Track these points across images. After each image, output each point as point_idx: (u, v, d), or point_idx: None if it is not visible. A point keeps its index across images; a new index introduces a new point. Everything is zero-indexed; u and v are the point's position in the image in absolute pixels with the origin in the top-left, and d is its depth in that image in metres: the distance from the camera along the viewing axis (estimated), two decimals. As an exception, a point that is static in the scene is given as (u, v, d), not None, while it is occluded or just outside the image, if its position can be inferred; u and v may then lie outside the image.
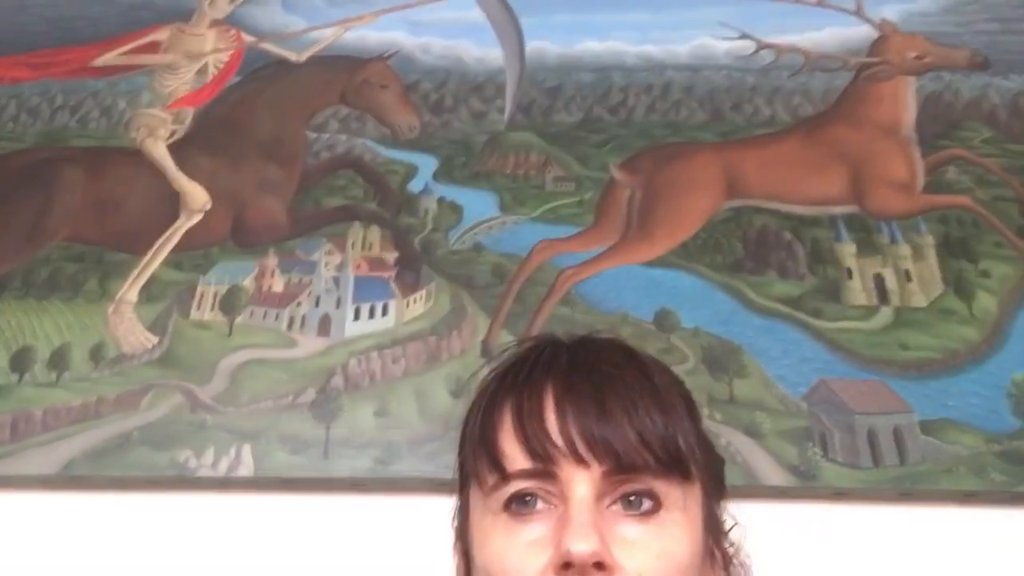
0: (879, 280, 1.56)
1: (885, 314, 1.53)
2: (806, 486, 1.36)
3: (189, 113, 1.82)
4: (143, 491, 1.41)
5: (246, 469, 1.40)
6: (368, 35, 1.88)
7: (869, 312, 1.53)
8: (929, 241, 1.59)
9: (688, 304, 1.54)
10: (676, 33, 1.85)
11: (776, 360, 1.48)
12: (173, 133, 1.80)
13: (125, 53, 1.89)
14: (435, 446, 1.40)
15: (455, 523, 0.79)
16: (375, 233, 1.67)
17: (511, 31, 1.87)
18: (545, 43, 1.86)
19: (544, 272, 1.59)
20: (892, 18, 1.82)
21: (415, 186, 1.72)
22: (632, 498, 0.68)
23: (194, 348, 1.54)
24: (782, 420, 1.41)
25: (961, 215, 1.62)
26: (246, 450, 1.42)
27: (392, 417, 1.45)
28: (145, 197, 1.72)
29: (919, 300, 1.54)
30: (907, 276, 1.56)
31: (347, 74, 1.84)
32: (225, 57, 1.88)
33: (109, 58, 1.89)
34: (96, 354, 1.53)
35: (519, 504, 0.69)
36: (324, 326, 1.56)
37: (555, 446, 0.68)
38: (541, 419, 0.69)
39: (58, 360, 1.53)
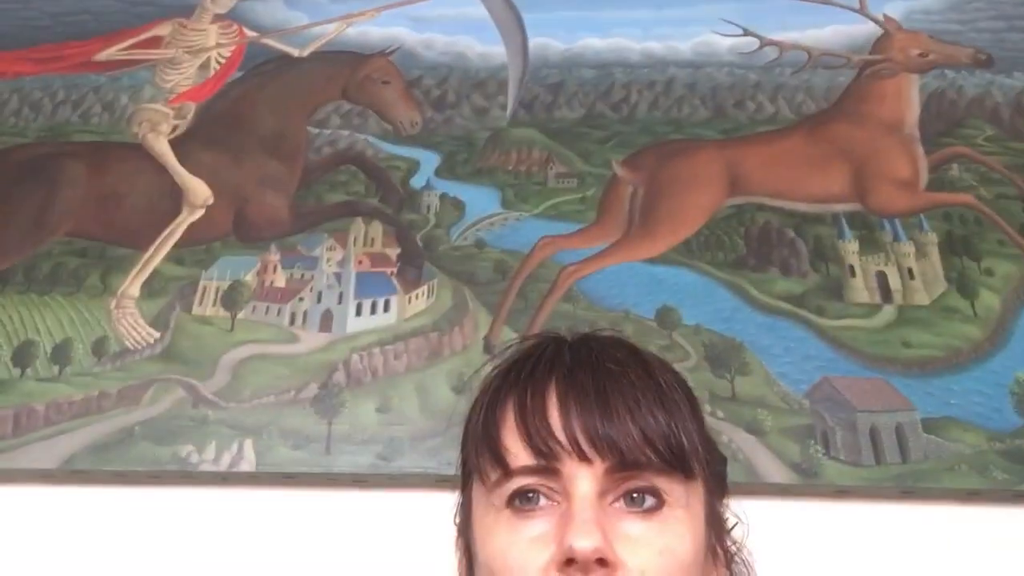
0: (882, 278, 1.56)
1: (888, 312, 1.52)
2: (808, 484, 1.36)
3: (191, 108, 1.82)
4: (145, 486, 1.41)
5: (248, 464, 1.40)
6: (370, 31, 1.88)
7: (872, 310, 1.53)
8: (932, 239, 1.59)
9: (690, 301, 1.54)
10: (679, 30, 1.84)
11: (778, 357, 1.47)
12: (175, 128, 1.80)
13: (127, 48, 1.89)
14: (437, 442, 1.40)
15: (457, 519, 0.80)
16: (377, 229, 1.67)
17: (514, 27, 1.86)
18: (548, 39, 1.86)
19: (546, 268, 1.59)
20: (895, 15, 1.82)
21: (417, 182, 1.72)
22: (635, 495, 0.68)
23: (196, 343, 1.54)
24: (784, 418, 1.41)
25: (964, 213, 1.62)
26: (248, 445, 1.42)
27: (394, 413, 1.45)
28: (147, 192, 1.71)
29: (922, 298, 1.54)
30: (910, 274, 1.56)
31: (349, 70, 1.84)
32: (227, 52, 1.88)
33: (111, 53, 1.89)
34: (98, 349, 1.53)
35: (522, 500, 0.69)
36: (326, 322, 1.56)
37: (558, 443, 0.68)
38: (544, 416, 0.69)
39: (60, 355, 1.53)
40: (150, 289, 1.60)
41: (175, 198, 1.70)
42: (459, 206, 1.69)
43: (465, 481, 0.77)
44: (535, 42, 1.85)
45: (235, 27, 1.90)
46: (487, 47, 1.86)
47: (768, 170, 1.68)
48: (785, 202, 1.65)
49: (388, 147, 1.77)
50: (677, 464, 0.69)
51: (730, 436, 1.38)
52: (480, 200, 1.70)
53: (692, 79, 1.82)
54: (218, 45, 1.89)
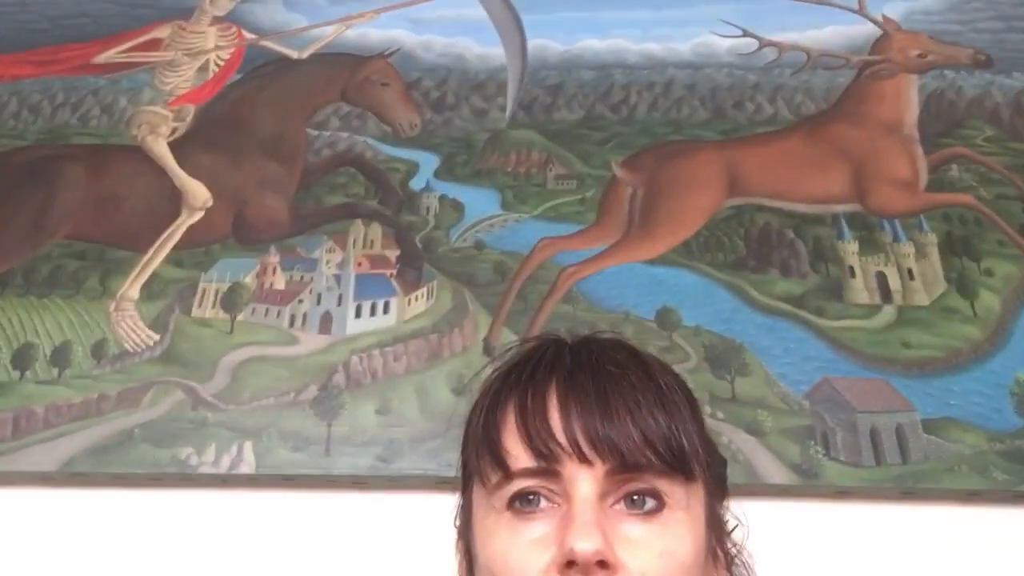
0: (881, 278, 1.56)
1: (887, 312, 1.52)
2: (808, 484, 1.36)
3: (190, 110, 1.82)
4: (144, 488, 1.41)
5: (247, 466, 1.40)
6: (369, 33, 1.88)
7: (871, 310, 1.53)
8: (932, 239, 1.59)
9: (690, 302, 1.54)
10: (678, 31, 1.85)
11: (778, 358, 1.47)
12: (174, 130, 1.80)
13: (126, 50, 1.89)
14: (436, 443, 1.40)
15: (457, 521, 0.79)
16: (376, 231, 1.67)
17: (513, 28, 1.86)
18: (547, 40, 1.86)
19: (546, 270, 1.59)
20: (895, 16, 1.82)
21: (416, 184, 1.72)
22: (635, 497, 0.68)
23: (195, 345, 1.54)
24: (784, 418, 1.41)
25: (964, 213, 1.62)
26: (247, 447, 1.42)
27: (393, 415, 1.45)
28: (146, 195, 1.71)
29: (921, 299, 1.53)
30: (910, 274, 1.56)
31: (348, 72, 1.84)
32: (226, 54, 1.88)
33: (110, 55, 1.89)
34: (98, 351, 1.53)
35: (522, 502, 0.69)
36: (325, 323, 1.56)
37: (559, 445, 0.68)
38: (545, 418, 0.69)
39: (60, 357, 1.53)
40: (149, 291, 1.60)
41: (174, 200, 1.70)
42: (458, 208, 1.69)
43: (465, 483, 0.77)
44: (534, 43, 1.86)
45: (234, 29, 1.90)
46: (486, 49, 1.86)
47: (767, 171, 1.68)
48: (785, 203, 1.65)
49: (387, 149, 1.77)
50: (678, 466, 0.69)
51: (730, 437, 1.38)
52: (479, 202, 1.70)
53: (691, 80, 1.82)
54: (217, 47, 1.89)
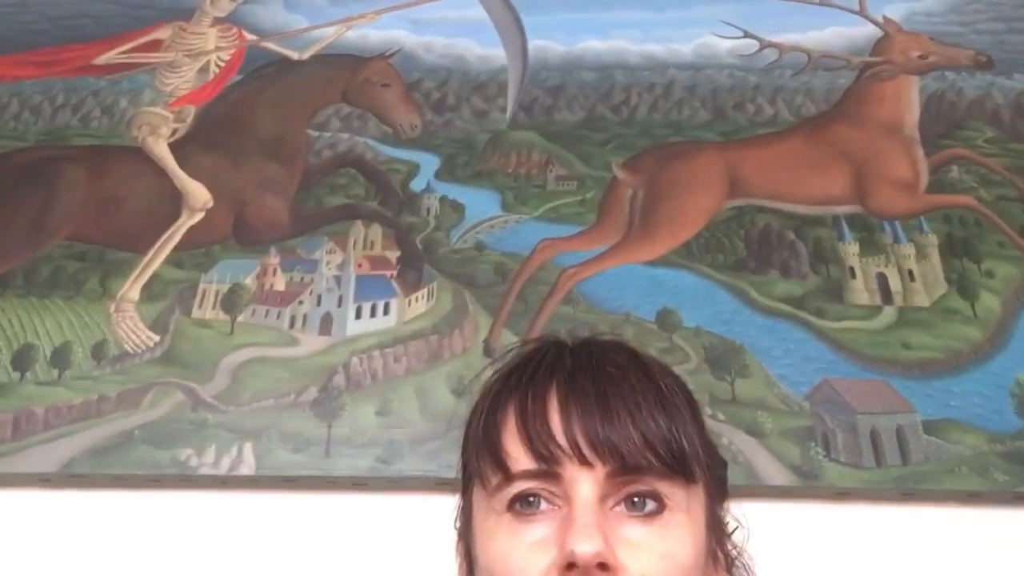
0: (882, 280, 1.56)
1: (888, 314, 1.52)
2: (808, 486, 1.36)
3: (191, 111, 1.82)
4: (144, 489, 1.41)
5: (247, 468, 1.40)
6: (370, 33, 1.88)
7: (872, 312, 1.53)
8: (932, 241, 1.59)
9: (690, 303, 1.54)
10: (679, 32, 1.84)
11: (778, 360, 1.47)
12: (175, 131, 1.80)
13: (127, 51, 1.89)
14: (437, 445, 1.40)
15: (458, 523, 0.79)
16: (377, 232, 1.67)
17: (513, 29, 1.86)
18: (547, 41, 1.86)
19: (546, 271, 1.59)
20: (895, 17, 1.82)
21: (417, 185, 1.72)
22: (636, 499, 0.68)
23: (196, 346, 1.54)
24: (784, 420, 1.41)
25: (964, 215, 1.62)
26: (247, 448, 1.42)
27: (394, 416, 1.45)
28: (146, 196, 1.71)
29: (922, 300, 1.53)
30: (910, 276, 1.56)
31: (349, 72, 1.84)
32: (227, 55, 1.88)
33: (111, 56, 1.89)
34: (98, 352, 1.53)
35: (523, 504, 0.69)
36: (326, 325, 1.56)
37: (559, 447, 0.68)
38: (545, 420, 0.69)
39: (60, 358, 1.53)
40: (149, 293, 1.60)
41: (175, 201, 1.70)
42: (459, 209, 1.69)
43: (465, 485, 0.77)
44: (535, 44, 1.86)
45: (234, 30, 1.90)
46: (487, 50, 1.86)
47: (768, 172, 1.68)
48: (785, 204, 1.65)
49: (388, 150, 1.77)
50: (678, 468, 0.68)
51: (730, 438, 1.38)
52: (480, 203, 1.70)
53: (692, 81, 1.82)
54: (218, 48, 1.89)
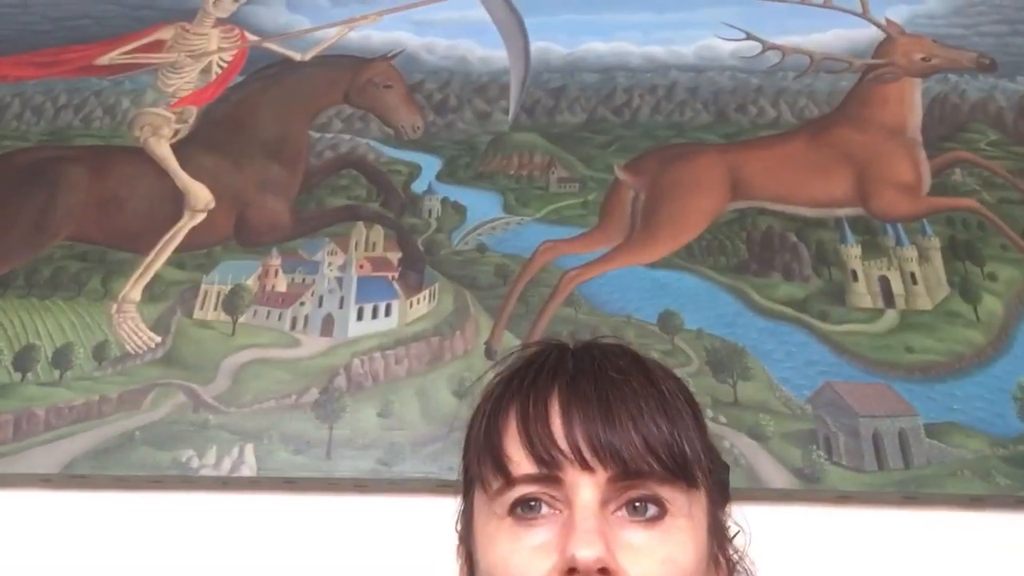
0: (884, 283, 1.56)
1: (890, 317, 1.52)
2: (810, 489, 1.35)
3: (193, 112, 1.82)
4: (145, 491, 1.41)
5: (248, 469, 1.40)
6: (372, 35, 1.88)
7: (874, 315, 1.52)
8: (935, 244, 1.58)
9: (692, 306, 1.54)
10: (681, 34, 1.84)
11: (780, 362, 1.47)
12: (176, 132, 1.80)
13: (129, 52, 1.89)
14: (438, 447, 1.40)
15: (459, 526, 0.79)
16: (378, 233, 1.67)
17: (515, 31, 1.86)
18: (549, 43, 1.86)
19: (547, 273, 1.59)
20: (898, 19, 1.82)
21: (419, 186, 1.72)
22: (637, 504, 0.68)
23: (197, 347, 1.54)
24: (786, 423, 1.41)
25: (967, 217, 1.61)
26: (248, 450, 1.42)
27: (395, 418, 1.45)
28: (148, 196, 1.71)
29: (924, 303, 1.53)
30: (912, 279, 1.56)
31: (351, 74, 1.84)
32: (229, 56, 1.88)
33: (113, 57, 1.89)
34: (99, 353, 1.53)
35: (524, 509, 0.69)
36: (327, 326, 1.56)
37: (560, 451, 0.68)
38: (547, 424, 0.69)
39: (61, 359, 1.53)
40: (151, 293, 1.60)
41: (176, 202, 1.70)
42: (460, 210, 1.69)
43: (467, 488, 0.77)
44: (537, 46, 1.85)
45: (237, 31, 1.90)
46: (489, 51, 1.86)
47: (770, 174, 1.67)
48: (787, 206, 1.64)
49: (390, 151, 1.77)
50: (680, 473, 0.68)
51: (732, 441, 1.38)
52: (482, 204, 1.70)
53: (694, 83, 1.81)
54: (220, 49, 1.89)
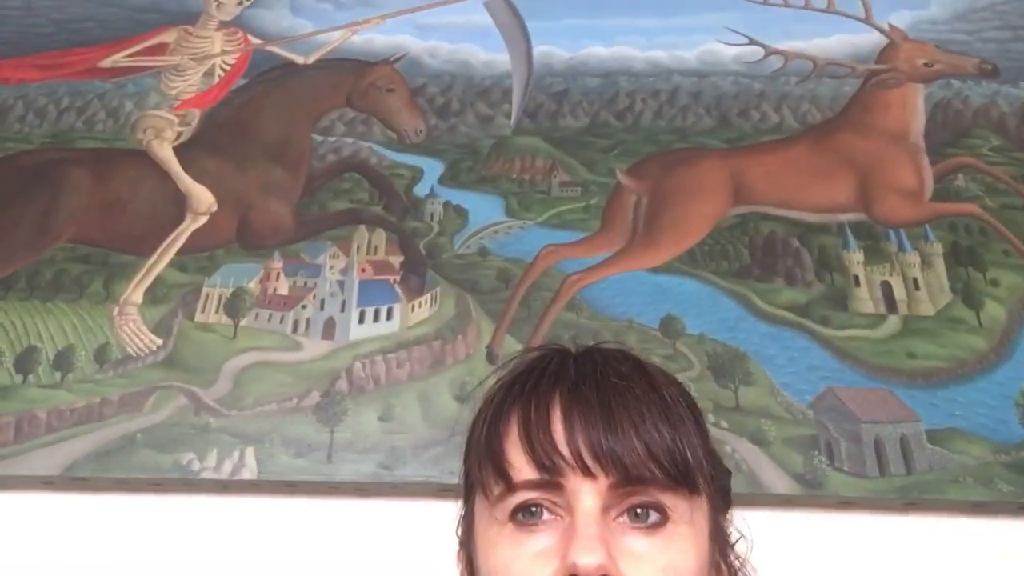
0: (886, 288, 1.56)
1: (892, 322, 1.52)
2: (812, 495, 1.35)
3: (196, 115, 1.82)
4: (146, 493, 1.41)
5: (249, 472, 1.40)
6: (375, 38, 1.88)
7: (876, 320, 1.52)
8: (937, 249, 1.58)
9: (694, 310, 1.54)
10: (684, 38, 1.84)
11: (782, 368, 1.47)
12: (179, 135, 1.80)
13: (132, 55, 1.90)
14: (439, 451, 1.40)
15: (459, 531, 0.79)
16: (380, 237, 1.67)
17: (518, 35, 1.86)
18: (552, 47, 1.86)
19: (549, 277, 1.59)
20: (901, 25, 1.82)
21: (421, 190, 1.72)
22: (639, 511, 0.68)
23: (198, 350, 1.54)
24: (788, 428, 1.41)
25: (969, 223, 1.61)
26: (249, 453, 1.41)
27: (396, 421, 1.44)
28: (150, 199, 1.72)
29: (927, 308, 1.53)
30: (915, 284, 1.55)
31: (353, 77, 1.84)
32: (232, 59, 1.89)
33: (116, 60, 1.89)
34: (100, 356, 1.53)
35: (525, 515, 0.69)
36: (329, 329, 1.56)
37: (562, 457, 0.68)
38: (548, 430, 0.69)
39: (62, 361, 1.53)
40: (153, 296, 1.60)
41: (179, 205, 1.70)
42: (463, 214, 1.69)
43: (468, 493, 0.77)
44: (539, 50, 1.86)
45: (240, 34, 1.91)
46: (491, 55, 1.86)
47: (773, 179, 1.67)
48: (790, 211, 1.64)
49: (392, 155, 1.77)
50: (682, 480, 0.68)
51: (734, 446, 1.38)
52: (484, 208, 1.70)
53: (697, 88, 1.81)
54: (223, 52, 1.89)
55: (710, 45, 1.83)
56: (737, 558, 0.76)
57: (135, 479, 1.41)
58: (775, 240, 1.62)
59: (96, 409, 1.47)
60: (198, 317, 1.58)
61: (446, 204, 1.70)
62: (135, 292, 1.61)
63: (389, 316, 1.57)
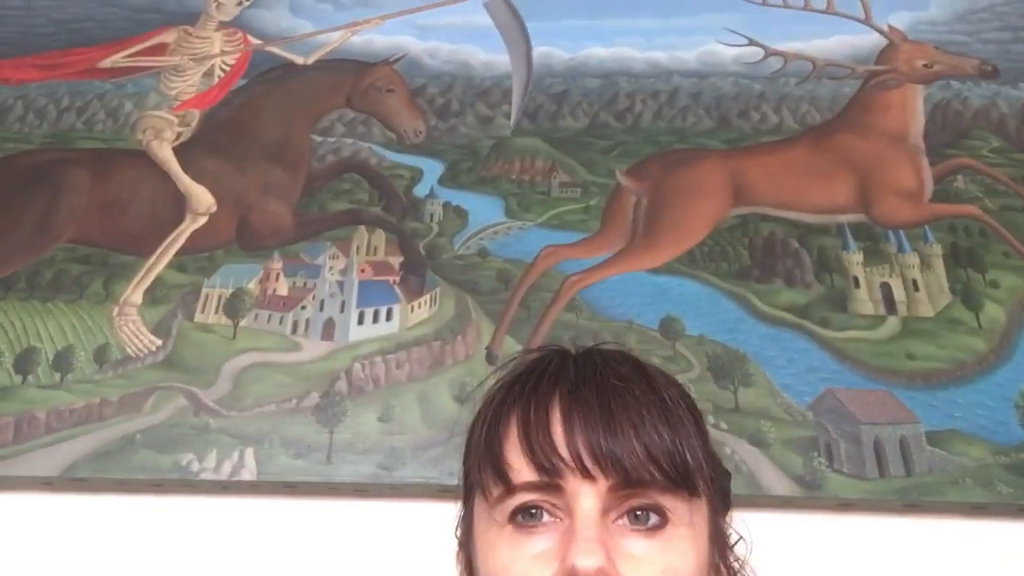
0: (886, 289, 1.56)
1: (892, 324, 1.52)
2: (811, 496, 1.35)
3: (195, 115, 1.82)
4: (146, 494, 1.41)
5: (249, 473, 1.40)
6: (375, 39, 1.88)
7: (876, 321, 1.52)
8: (937, 250, 1.58)
9: (694, 311, 1.54)
10: (683, 39, 1.84)
11: (782, 369, 1.47)
12: (179, 135, 1.80)
13: (132, 55, 1.90)
14: (438, 452, 1.40)
15: (459, 532, 0.79)
16: (380, 237, 1.67)
17: (518, 36, 1.86)
18: (552, 48, 1.86)
19: (549, 278, 1.59)
20: (901, 26, 1.82)
21: (420, 191, 1.72)
22: (639, 513, 0.68)
23: (198, 351, 1.54)
24: (787, 429, 1.41)
25: (969, 224, 1.61)
26: (249, 454, 1.41)
27: (395, 422, 1.44)
28: (150, 199, 1.71)
29: (926, 310, 1.53)
30: (914, 285, 1.55)
31: (353, 78, 1.84)
32: (231, 60, 1.89)
33: (116, 60, 1.89)
34: (100, 356, 1.53)
35: (525, 516, 0.69)
36: (328, 330, 1.56)
37: (561, 459, 0.68)
38: (548, 432, 0.69)
39: (62, 362, 1.53)
40: (152, 296, 1.60)
41: (178, 205, 1.70)
42: (462, 215, 1.69)
43: (467, 495, 0.77)
44: (539, 51, 1.86)
45: (239, 35, 1.91)
46: (491, 56, 1.86)
47: (772, 180, 1.67)
48: (789, 212, 1.64)
49: (392, 155, 1.77)
50: (681, 482, 0.68)
51: (733, 448, 1.38)
52: (483, 209, 1.70)
53: (696, 89, 1.81)
54: (223, 52, 1.89)
55: (710, 46, 1.83)
56: (736, 560, 0.76)
57: (134, 480, 1.40)
58: (775, 241, 1.62)
59: (96, 410, 1.47)
60: (198, 318, 1.58)
61: (446, 205, 1.70)
62: (135, 292, 1.61)
63: (389, 317, 1.57)
